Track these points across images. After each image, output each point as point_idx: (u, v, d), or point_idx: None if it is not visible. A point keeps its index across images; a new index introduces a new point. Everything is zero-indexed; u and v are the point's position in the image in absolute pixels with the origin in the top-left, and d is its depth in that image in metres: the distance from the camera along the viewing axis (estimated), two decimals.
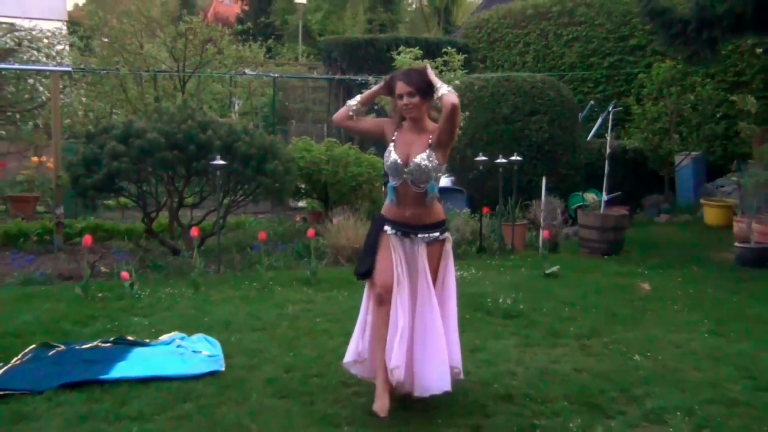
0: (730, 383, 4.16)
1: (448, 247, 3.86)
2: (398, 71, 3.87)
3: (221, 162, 7.09)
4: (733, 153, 11.50)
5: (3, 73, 12.39)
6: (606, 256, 8.18)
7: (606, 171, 8.92)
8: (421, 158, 3.63)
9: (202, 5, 42.24)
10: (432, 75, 3.66)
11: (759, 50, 11.62)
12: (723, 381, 4.19)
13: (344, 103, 3.88)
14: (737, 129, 10.90)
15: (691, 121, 11.27)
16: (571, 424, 3.55)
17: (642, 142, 11.45)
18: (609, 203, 8.98)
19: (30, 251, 7.94)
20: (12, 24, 13.79)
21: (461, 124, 9.51)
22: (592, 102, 13.11)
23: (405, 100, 3.63)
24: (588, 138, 11.89)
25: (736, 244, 8.08)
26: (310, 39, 25.04)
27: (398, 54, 9.82)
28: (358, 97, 3.87)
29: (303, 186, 9.50)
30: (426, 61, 3.45)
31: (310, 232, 7.17)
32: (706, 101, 11.16)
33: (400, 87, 3.64)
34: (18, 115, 12.84)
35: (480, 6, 25.30)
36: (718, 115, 11.52)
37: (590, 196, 10.06)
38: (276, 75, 14.75)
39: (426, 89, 3.62)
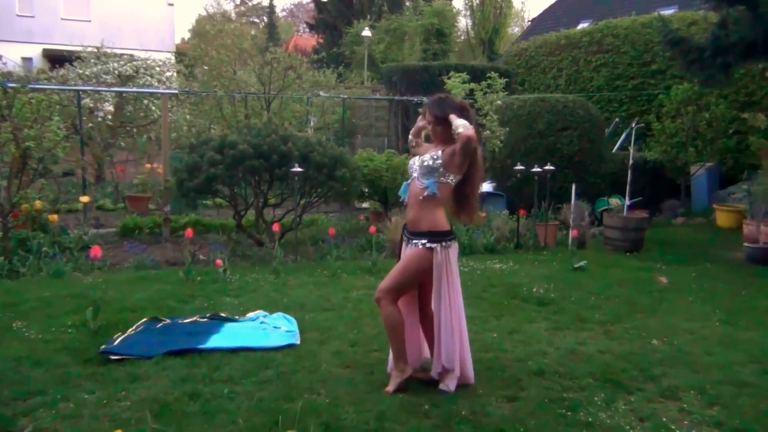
0: (739, 366, 4.00)
1: (439, 258, 3.46)
2: (431, 100, 3.72)
3: (299, 169, 7.16)
4: (743, 164, 11.08)
5: (124, 95, 12.81)
6: (628, 253, 7.97)
7: (629, 179, 8.73)
8: (428, 156, 3.55)
9: (284, 38, 42.90)
10: (453, 118, 3.44)
11: None
12: (733, 364, 4.04)
13: (402, 120, 3.86)
14: (748, 143, 10.58)
15: (705, 135, 10.89)
16: (595, 398, 3.47)
17: (661, 154, 11.13)
18: (631, 207, 8.79)
19: (143, 241, 8.12)
20: (131, 55, 14.26)
21: (501, 138, 9.47)
22: (617, 119, 12.80)
23: (429, 125, 3.64)
24: (613, 150, 11.62)
25: (746, 244, 7.81)
26: (374, 66, 25.02)
27: (449, 78, 9.78)
28: (412, 130, 3.89)
29: (366, 190, 9.50)
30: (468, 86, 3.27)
31: (372, 229, 7.19)
32: (719, 118, 10.78)
33: (427, 114, 3.66)
34: (135, 130, 13.27)
35: (519, 37, 25.02)
36: (730, 131, 11.14)
37: (614, 201, 9.85)
38: (345, 96, 14.78)
39: (442, 119, 3.52)
